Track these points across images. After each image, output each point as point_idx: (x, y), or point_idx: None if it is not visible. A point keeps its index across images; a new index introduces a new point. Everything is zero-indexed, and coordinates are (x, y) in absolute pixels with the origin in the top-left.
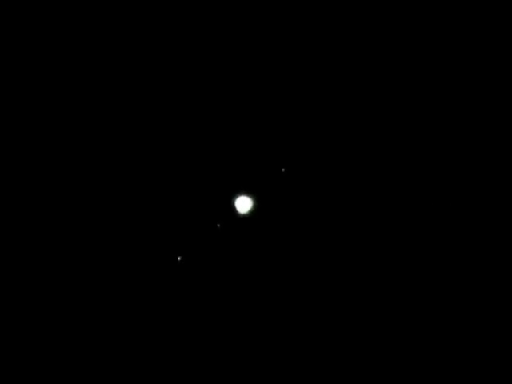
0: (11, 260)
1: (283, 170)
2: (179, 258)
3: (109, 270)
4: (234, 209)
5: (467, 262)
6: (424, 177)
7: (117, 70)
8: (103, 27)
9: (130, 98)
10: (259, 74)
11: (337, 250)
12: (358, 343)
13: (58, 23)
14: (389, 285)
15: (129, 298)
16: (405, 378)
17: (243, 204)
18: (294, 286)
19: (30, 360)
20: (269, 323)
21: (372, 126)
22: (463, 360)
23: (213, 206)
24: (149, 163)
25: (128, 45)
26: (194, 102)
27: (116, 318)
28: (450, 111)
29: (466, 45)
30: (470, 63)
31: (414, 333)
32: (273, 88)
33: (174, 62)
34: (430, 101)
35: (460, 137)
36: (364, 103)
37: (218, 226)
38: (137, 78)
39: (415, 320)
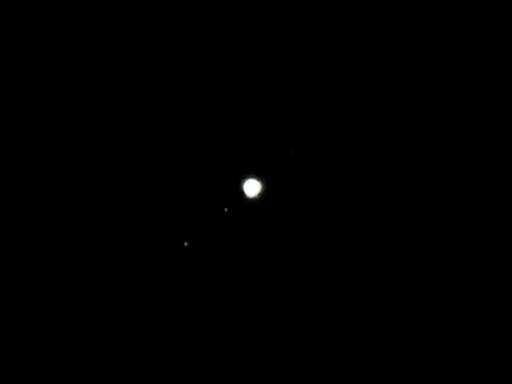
0: (11, 256)
1: (292, 152)
2: (186, 244)
3: (116, 254)
4: (242, 193)
5: (467, 261)
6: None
7: (117, 69)
8: (103, 27)
9: (138, 87)
10: (267, 59)
11: (346, 236)
12: (358, 336)
13: (58, 23)
14: (396, 275)
15: (135, 283)
16: (405, 378)
17: (252, 188)
18: (302, 272)
19: (30, 360)
20: (276, 310)
21: (383, 114)
22: (463, 360)
23: (220, 190)
24: (156, 148)
25: (128, 45)
26: (200, 87)
27: (123, 303)
28: (450, 111)
29: (465, 45)
30: (469, 63)
31: (414, 332)
32: (282, 72)
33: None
34: (433, 97)
35: (460, 137)
36: (375, 90)
37: (226, 210)
38: (142, 72)
39: (415, 319)
